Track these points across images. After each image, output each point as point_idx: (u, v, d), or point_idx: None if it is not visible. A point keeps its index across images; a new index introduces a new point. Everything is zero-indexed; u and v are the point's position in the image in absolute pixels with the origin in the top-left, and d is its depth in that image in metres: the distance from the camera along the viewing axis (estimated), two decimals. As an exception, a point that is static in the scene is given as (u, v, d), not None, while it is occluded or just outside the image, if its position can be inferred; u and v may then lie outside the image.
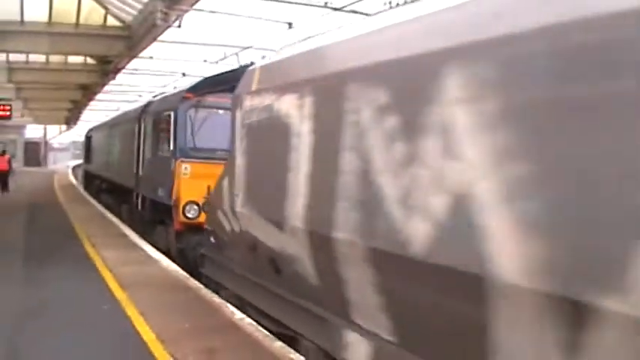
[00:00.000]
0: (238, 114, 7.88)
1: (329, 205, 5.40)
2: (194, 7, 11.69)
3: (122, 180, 19.69)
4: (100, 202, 24.64)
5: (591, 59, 3.22)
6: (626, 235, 2.88)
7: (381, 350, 5.16)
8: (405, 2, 11.37)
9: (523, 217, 3.51)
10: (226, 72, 12.25)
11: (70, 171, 54.80)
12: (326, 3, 12.11)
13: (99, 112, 45.33)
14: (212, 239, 9.41)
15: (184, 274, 10.54)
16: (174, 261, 12.14)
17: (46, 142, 72.05)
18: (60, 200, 25.84)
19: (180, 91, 14.41)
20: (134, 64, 20.96)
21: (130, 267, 11.01)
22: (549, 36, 3.46)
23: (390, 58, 4.86)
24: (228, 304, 8.41)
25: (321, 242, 5.66)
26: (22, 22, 17.51)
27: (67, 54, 21.05)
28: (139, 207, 16.75)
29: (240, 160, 7.74)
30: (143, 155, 16.61)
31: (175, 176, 12.98)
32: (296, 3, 12.04)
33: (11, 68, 23.31)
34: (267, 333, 7.03)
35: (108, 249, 12.93)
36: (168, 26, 12.20)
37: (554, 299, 3.32)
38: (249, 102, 7.54)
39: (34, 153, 68.00)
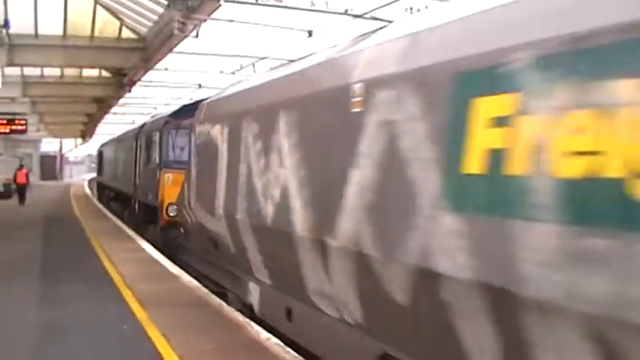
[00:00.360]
0: (193, 137, 11.16)
1: (233, 197, 8.43)
2: (211, 16, 11.42)
3: (125, 188, 23.47)
4: (109, 209, 27.62)
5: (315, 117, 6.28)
6: (331, 208, 5.63)
7: (264, 292, 8.33)
8: (426, 7, 11.03)
9: (304, 198, 6.28)
10: (197, 101, 14.05)
11: (85, 184, 54.81)
12: (346, 10, 11.79)
13: (114, 125, 45.25)
14: (182, 230, 12.64)
15: (205, 290, 10.23)
16: (161, 251, 14.52)
17: (61, 156, 72.22)
18: (76, 214, 25.71)
19: (164, 116, 17.83)
20: (149, 76, 20.72)
21: (150, 284, 10.71)
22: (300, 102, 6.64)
23: (256, 105, 8.04)
24: (252, 322, 8.10)
25: (232, 223, 8.58)
26: (36, 35, 17.35)
27: (81, 67, 20.92)
28: (136, 210, 20.24)
29: (193, 170, 10.90)
30: (139, 167, 19.97)
31: (160, 183, 16.14)
32: (315, 11, 11.73)
33: (26, 82, 23.20)
34: (296, 354, 6.70)
35: (126, 264, 12.66)
36: (185, 36, 11.93)
37: (317, 241, 6.01)
38: (198, 129, 10.68)
39: (50, 167, 68.16)
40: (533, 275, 3.57)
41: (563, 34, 3.49)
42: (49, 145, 66.91)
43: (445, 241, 4.20)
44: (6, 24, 10.61)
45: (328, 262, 5.89)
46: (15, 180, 33.23)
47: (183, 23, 10.94)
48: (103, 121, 39.14)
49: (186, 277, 11.35)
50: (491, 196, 3.88)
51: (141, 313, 8.61)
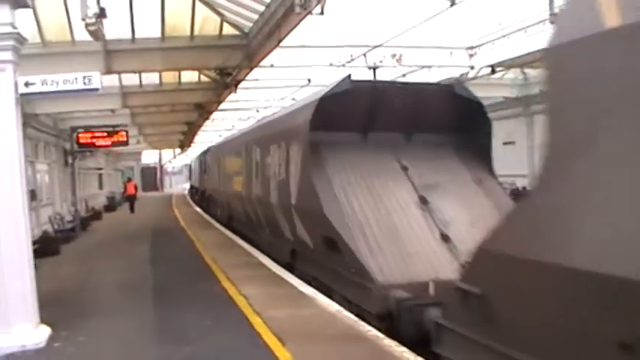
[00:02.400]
0: (206, 161, 36.41)
1: (219, 182, 28.54)
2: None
3: (197, 184, 46.73)
4: (193, 199, 49.01)
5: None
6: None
7: (221, 213, 29.29)
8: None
9: (231, 181, 23.40)
10: (211, 146, 36.39)
11: (187, 193, 54.83)
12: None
13: (213, 133, 44.63)
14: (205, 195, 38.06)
15: (351, 316, 8.57)
16: (204, 209, 36.80)
17: (161, 167, 72.85)
18: (182, 225, 25.07)
19: (206, 150, 37.82)
20: (252, 76, 19.32)
21: (282, 309, 9.16)
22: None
23: (229, 150, 25.27)
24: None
25: (212, 191, 32.89)
26: (133, 39, 16.19)
27: (181, 69, 19.71)
28: (199, 193, 42.62)
29: (206, 174, 35.93)
30: (200, 172, 41.16)
31: (203, 178, 38.88)
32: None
33: (125, 93, 22.29)
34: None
35: (248, 284, 11.22)
36: (309, 12, 10.26)
37: (223, 192, 27.63)
38: (206, 157, 35.97)
39: (151, 178, 68.88)
40: (223, 184, 26.70)
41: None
42: (148, 157, 67.37)
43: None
44: (102, 12, 9.22)
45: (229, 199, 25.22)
46: (125, 191, 39.92)
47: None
48: (202, 129, 38.35)
49: (322, 300, 9.74)
50: (223, 174, 26.21)
51: (282, 351, 7.01)
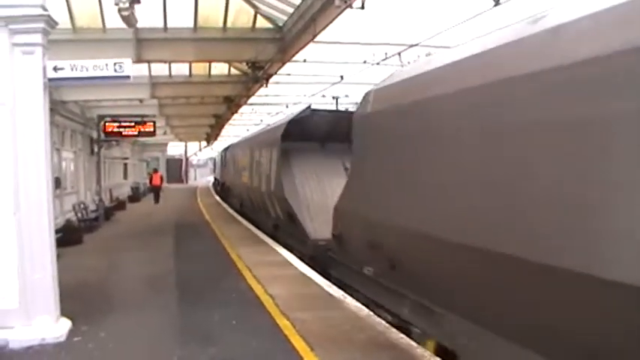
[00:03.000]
0: (225, 156, 40.53)
1: (234, 176, 32.17)
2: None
3: (219, 177, 49.82)
4: (215, 190, 51.25)
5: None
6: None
7: (234, 202, 33.04)
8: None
9: (241, 175, 27.57)
10: (230, 145, 39.92)
11: (211, 186, 54.86)
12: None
13: (240, 127, 44.53)
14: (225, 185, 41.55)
15: (382, 322, 8.22)
16: (224, 199, 39.48)
17: (186, 159, 72.93)
18: (206, 219, 24.91)
19: (226, 147, 41.90)
20: (283, 70, 19.02)
21: (309, 311, 8.83)
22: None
23: (241, 150, 29.77)
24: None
25: (235, 185, 32.12)
26: (165, 29, 15.98)
27: (213, 61, 19.51)
28: (220, 185, 46.26)
29: (225, 167, 40.20)
30: (221, 166, 45.10)
31: (223, 172, 42.90)
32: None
33: (154, 83, 22.12)
34: None
35: (275, 283, 10.92)
36: (349, 5, 9.93)
37: (236, 184, 31.20)
38: (227, 153, 39.41)
39: (176, 170, 68.92)
40: (236, 177, 30.38)
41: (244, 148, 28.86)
42: (173, 149, 67.41)
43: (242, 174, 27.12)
44: (136, -4, 8.95)
45: (240, 189, 28.97)
46: (150, 182, 40.19)
47: (344, -7, 8.95)
48: (230, 122, 38.18)
49: (351, 302, 9.40)
50: (237, 169, 30.01)
51: (310, 357, 6.67)
